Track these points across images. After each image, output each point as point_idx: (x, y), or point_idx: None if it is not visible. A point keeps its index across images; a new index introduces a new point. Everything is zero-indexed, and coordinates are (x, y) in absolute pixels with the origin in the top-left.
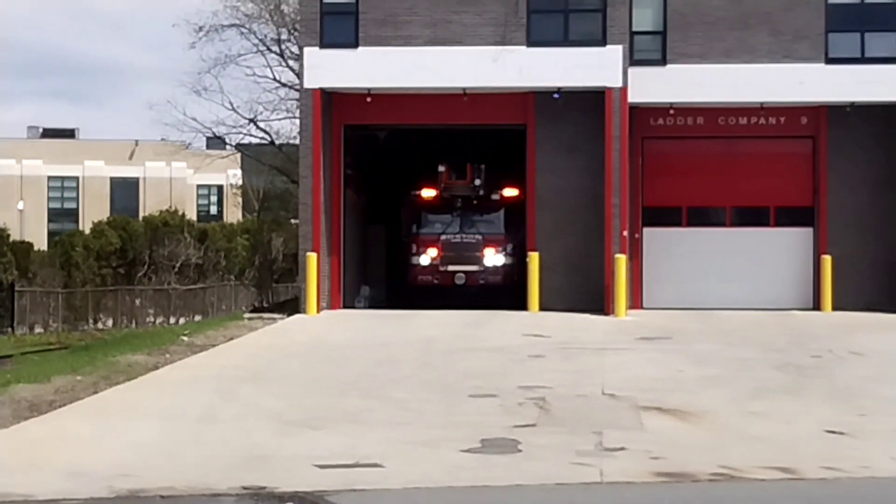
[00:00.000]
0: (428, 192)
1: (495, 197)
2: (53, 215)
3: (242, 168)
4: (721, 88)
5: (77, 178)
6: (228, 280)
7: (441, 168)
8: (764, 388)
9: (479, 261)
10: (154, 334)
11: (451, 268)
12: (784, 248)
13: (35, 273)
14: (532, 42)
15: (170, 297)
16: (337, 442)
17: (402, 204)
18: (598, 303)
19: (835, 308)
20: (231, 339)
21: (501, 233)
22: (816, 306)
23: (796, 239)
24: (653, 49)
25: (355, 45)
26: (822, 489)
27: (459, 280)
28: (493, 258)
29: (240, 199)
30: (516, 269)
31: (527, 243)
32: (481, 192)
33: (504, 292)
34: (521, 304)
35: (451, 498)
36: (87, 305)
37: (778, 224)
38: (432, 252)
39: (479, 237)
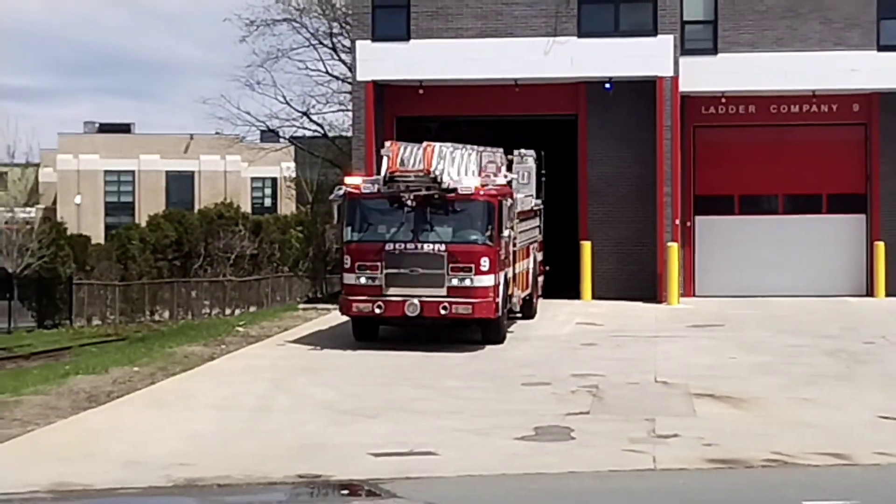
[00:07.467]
0: (364, 183)
1: (472, 190)
2: (110, 209)
3: (296, 161)
4: (772, 77)
5: (133, 172)
6: (282, 271)
7: (386, 148)
8: (816, 375)
9: (440, 282)
10: (210, 325)
11: (396, 292)
12: (836, 235)
13: (92, 266)
14: (583, 32)
15: (225, 289)
16: (390, 430)
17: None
18: (651, 291)
19: (888, 294)
20: (286, 329)
21: (482, 242)
22: (869, 293)
23: (849, 226)
24: (704, 38)
25: (407, 37)
26: (876, 475)
27: (411, 310)
28: (464, 278)
29: (293, 192)
30: (516, 293)
31: (577, 233)
32: (448, 185)
33: (492, 326)
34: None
35: (505, 485)
36: (144, 297)
37: (830, 211)
38: (370, 268)
39: (442, 247)
